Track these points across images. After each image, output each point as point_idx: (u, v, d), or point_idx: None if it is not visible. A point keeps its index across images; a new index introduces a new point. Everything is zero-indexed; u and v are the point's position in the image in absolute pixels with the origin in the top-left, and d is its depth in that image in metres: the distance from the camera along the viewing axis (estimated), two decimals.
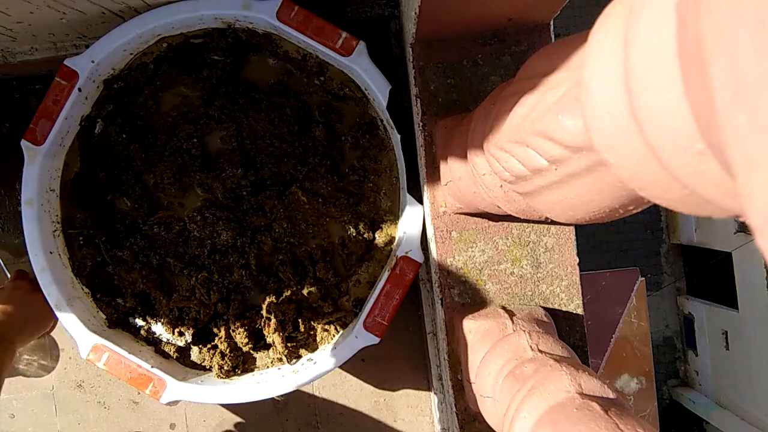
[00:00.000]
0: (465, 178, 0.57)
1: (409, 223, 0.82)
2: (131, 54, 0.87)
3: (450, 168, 0.62)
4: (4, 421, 1.12)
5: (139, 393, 1.11)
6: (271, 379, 0.86)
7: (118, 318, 0.93)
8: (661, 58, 0.20)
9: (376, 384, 1.11)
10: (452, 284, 0.72)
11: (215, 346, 0.93)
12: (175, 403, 0.86)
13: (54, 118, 0.84)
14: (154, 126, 0.93)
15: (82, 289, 0.92)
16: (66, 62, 0.83)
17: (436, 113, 0.72)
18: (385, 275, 0.83)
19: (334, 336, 0.91)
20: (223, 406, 1.12)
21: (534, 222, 0.71)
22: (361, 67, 0.81)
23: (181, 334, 0.92)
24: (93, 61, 0.83)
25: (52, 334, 1.11)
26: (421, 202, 0.81)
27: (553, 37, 0.72)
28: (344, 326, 0.92)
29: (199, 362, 0.94)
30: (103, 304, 0.93)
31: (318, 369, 0.84)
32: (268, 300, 0.91)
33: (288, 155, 0.91)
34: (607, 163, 0.27)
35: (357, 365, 1.10)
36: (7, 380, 1.12)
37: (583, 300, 0.72)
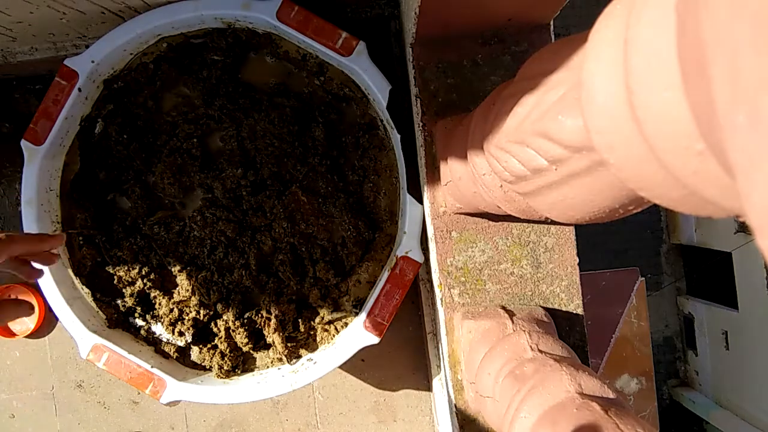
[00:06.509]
0: (465, 178, 0.57)
1: (409, 223, 0.82)
2: (131, 54, 0.87)
3: (450, 168, 0.62)
4: (4, 421, 1.12)
5: (139, 393, 1.11)
6: (271, 379, 0.86)
7: (118, 318, 0.93)
8: (661, 58, 0.20)
9: (376, 384, 1.11)
10: (452, 284, 0.72)
11: (215, 346, 0.93)
12: (176, 403, 0.86)
13: (54, 118, 0.84)
14: (154, 126, 0.93)
15: (82, 289, 0.92)
16: (66, 62, 0.83)
17: (436, 113, 0.72)
18: (385, 275, 0.83)
19: (334, 336, 0.91)
20: (223, 406, 1.12)
21: (534, 222, 0.71)
22: (361, 67, 0.81)
23: (181, 334, 0.92)
24: (93, 61, 0.83)
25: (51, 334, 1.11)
26: (421, 202, 0.81)
27: (553, 37, 0.72)
28: (344, 326, 0.91)
29: (199, 362, 0.94)
30: (103, 304, 0.93)
31: (318, 369, 0.84)
32: (268, 300, 0.91)
33: (288, 155, 0.91)
34: (607, 163, 0.27)
35: (357, 365, 1.10)
36: (6, 380, 1.12)
37: (583, 300, 0.72)
